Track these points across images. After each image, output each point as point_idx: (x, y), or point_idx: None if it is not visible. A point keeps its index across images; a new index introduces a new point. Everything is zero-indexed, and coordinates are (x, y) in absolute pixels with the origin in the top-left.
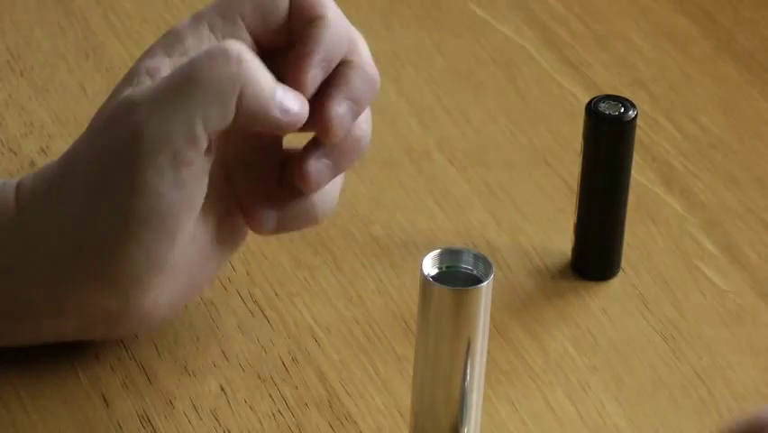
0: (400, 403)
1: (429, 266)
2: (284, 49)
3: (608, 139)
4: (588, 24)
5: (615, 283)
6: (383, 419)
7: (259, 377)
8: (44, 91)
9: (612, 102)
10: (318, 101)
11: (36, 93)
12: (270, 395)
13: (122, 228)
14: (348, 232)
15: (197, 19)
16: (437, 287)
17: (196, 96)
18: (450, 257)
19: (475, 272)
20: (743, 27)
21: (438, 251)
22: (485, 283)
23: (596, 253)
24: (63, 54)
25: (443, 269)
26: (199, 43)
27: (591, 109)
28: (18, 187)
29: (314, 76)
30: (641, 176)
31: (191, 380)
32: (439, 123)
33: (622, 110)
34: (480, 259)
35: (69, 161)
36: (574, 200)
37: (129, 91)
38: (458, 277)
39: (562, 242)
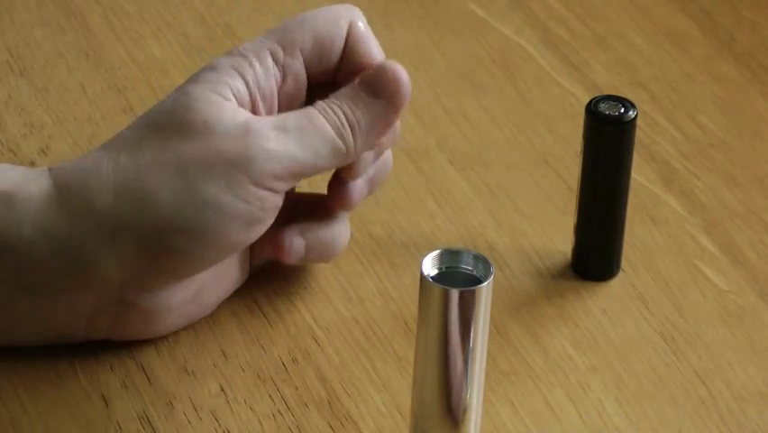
0: (400, 403)
1: (429, 267)
2: (326, 81)
3: (608, 139)
4: (588, 24)
5: (615, 283)
6: (383, 419)
7: (259, 377)
8: (44, 91)
9: (612, 102)
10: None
11: (36, 93)
12: (270, 395)
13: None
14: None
15: (261, 46)
16: (437, 287)
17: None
18: (450, 258)
19: (475, 273)
20: (743, 27)
21: (438, 251)
22: (485, 284)
23: (596, 253)
24: (63, 54)
25: (443, 269)
26: (266, 72)
27: (591, 109)
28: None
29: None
30: (641, 176)
31: (191, 380)
32: (439, 123)
33: (622, 110)
34: (479, 259)
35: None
36: (574, 200)
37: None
38: (458, 277)
39: (561, 242)
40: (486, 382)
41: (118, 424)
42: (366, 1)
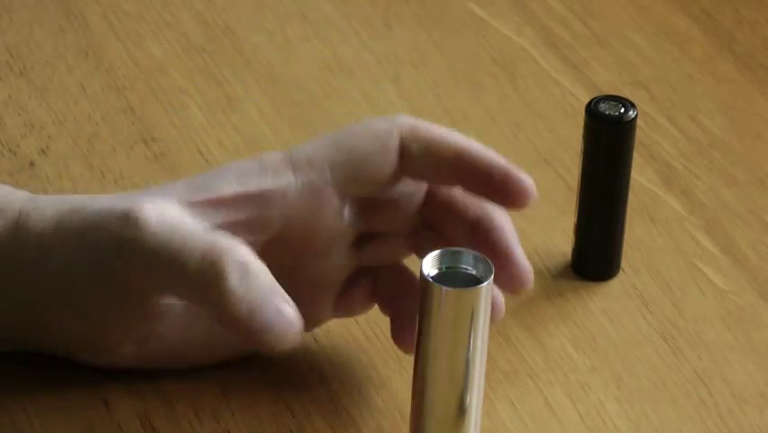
0: (400, 403)
1: (429, 266)
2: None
3: (608, 139)
4: (588, 24)
5: (615, 283)
6: (383, 419)
7: (259, 377)
8: (44, 91)
9: (612, 102)
10: (506, 257)
11: (36, 93)
12: (271, 396)
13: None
14: None
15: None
16: (437, 287)
17: None
18: (450, 258)
19: (475, 273)
20: (743, 27)
21: (438, 251)
22: (485, 284)
23: (596, 253)
24: (63, 54)
25: (444, 269)
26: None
27: (591, 109)
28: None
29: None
30: (641, 176)
31: (191, 381)
32: (439, 123)
33: (622, 110)
34: (479, 260)
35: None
36: (574, 200)
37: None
38: (458, 277)
39: (562, 242)
40: (486, 382)
41: (119, 425)
42: (366, 1)
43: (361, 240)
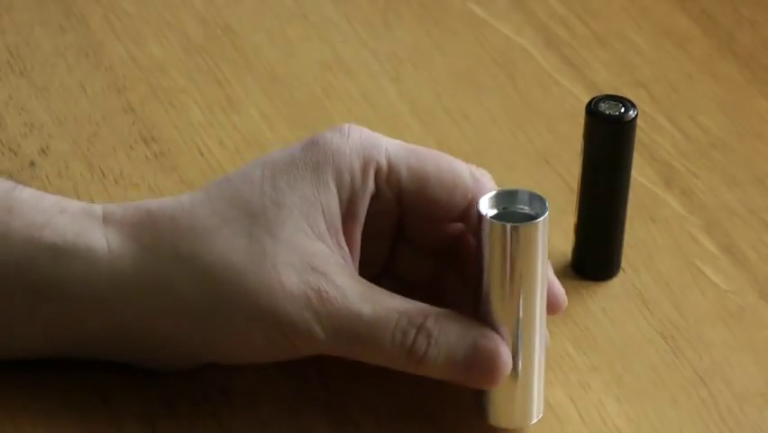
0: (400, 403)
1: (487, 207)
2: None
3: (608, 139)
4: (588, 24)
5: (615, 283)
6: (383, 418)
7: (259, 377)
8: (44, 91)
9: (612, 102)
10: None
11: (36, 93)
12: (271, 395)
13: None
14: None
15: (371, 155)
16: (499, 225)
17: None
18: (506, 198)
19: (530, 211)
20: (743, 27)
21: (493, 193)
22: (542, 218)
23: (596, 253)
24: (63, 54)
25: (501, 210)
26: (364, 189)
27: (591, 109)
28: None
29: None
30: (641, 176)
31: (191, 380)
32: (439, 123)
33: (622, 110)
34: (534, 198)
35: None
36: (574, 200)
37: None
38: (515, 217)
39: (562, 242)
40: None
41: (119, 425)
42: (366, 1)
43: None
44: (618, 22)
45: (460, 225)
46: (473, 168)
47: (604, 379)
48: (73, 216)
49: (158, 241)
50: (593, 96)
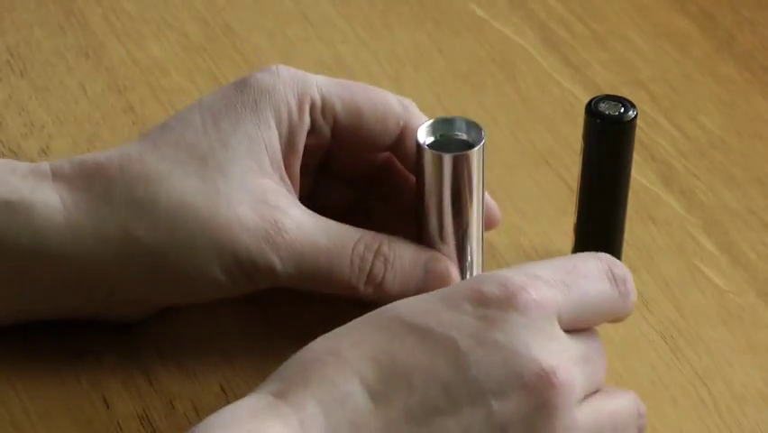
0: None
1: (424, 135)
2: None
3: (608, 139)
4: (588, 24)
5: None
6: None
7: (260, 378)
8: (44, 91)
9: (612, 102)
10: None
11: (36, 93)
12: None
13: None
14: None
15: (306, 90)
16: (435, 154)
17: None
18: (443, 125)
19: (467, 138)
20: (743, 27)
21: (431, 121)
22: (477, 147)
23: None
24: (63, 54)
25: (438, 137)
26: (301, 123)
27: (591, 109)
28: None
29: None
30: (641, 176)
31: (191, 380)
32: None
33: (622, 110)
34: (471, 125)
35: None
36: (574, 200)
37: None
38: (452, 144)
39: (562, 242)
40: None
41: (119, 425)
42: (366, 1)
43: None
44: (618, 22)
45: (385, 154)
46: (400, 97)
47: (604, 379)
48: (23, 175)
49: (110, 190)
50: (593, 96)
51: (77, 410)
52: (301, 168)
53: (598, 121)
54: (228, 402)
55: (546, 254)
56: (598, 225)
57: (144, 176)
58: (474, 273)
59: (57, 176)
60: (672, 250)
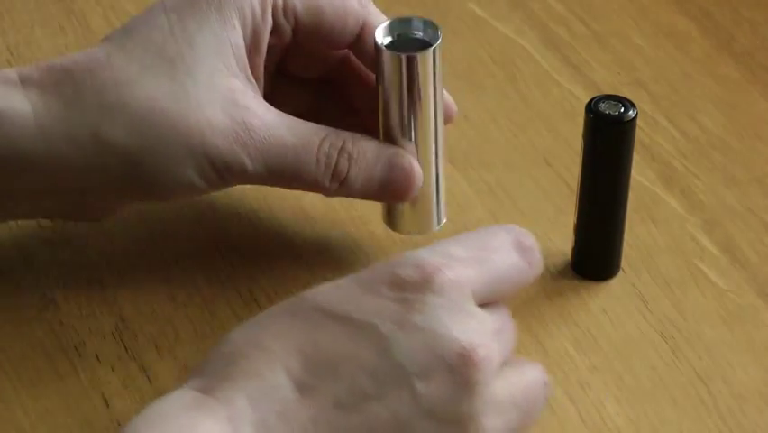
0: None
1: (381, 36)
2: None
3: (608, 139)
4: (588, 24)
5: (615, 283)
6: None
7: None
8: None
9: (612, 102)
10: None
11: None
12: None
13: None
14: (348, 232)
15: None
16: (392, 54)
17: None
18: (400, 25)
19: (425, 37)
20: (743, 27)
21: (388, 21)
22: (434, 46)
23: (596, 253)
24: (63, 54)
25: (395, 37)
26: (264, 23)
27: (591, 109)
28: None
29: None
30: (641, 176)
31: None
32: None
33: (622, 110)
34: (428, 25)
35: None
36: (574, 200)
37: None
38: (409, 44)
39: (562, 242)
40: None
41: (118, 424)
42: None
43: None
44: (618, 22)
45: (342, 53)
46: None
47: (604, 379)
48: None
49: (81, 94)
50: (593, 96)
51: (76, 409)
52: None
53: (598, 121)
54: None
55: (546, 254)
56: (598, 225)
57: (113, 80)
58: (437, 170)
59: (25, 82)
60: (672, 250)
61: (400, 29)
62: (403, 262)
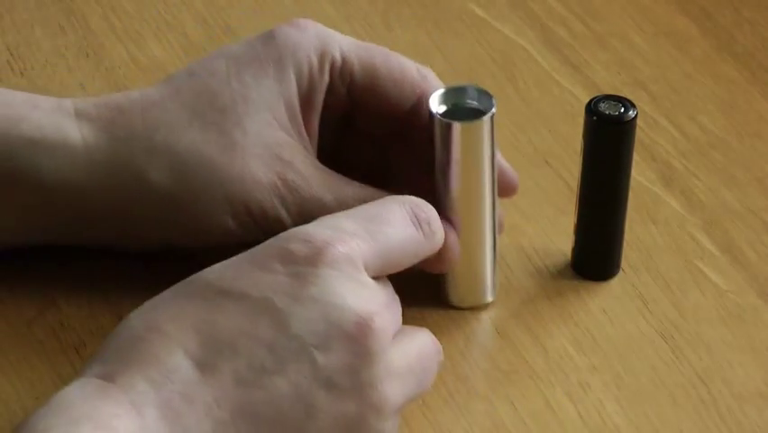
0: None
1: (436, 104)
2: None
3: (608, 139)
4: (588, 24)
5: (615, 283)
6: None
7: None
8: (44, 91)
9: (612, 102)
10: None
11: (37, 93)
12: None
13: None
14: None
15: (326, 49)
16: (447, 122)
17: None
18: (454, 94)
19: (479, 106)
20: (743, 27)
21: (442, 89)
22: (488, 115)
23: (596, 252)
24: (63, 54)
25: (450, 106)
26: (320, 80)
27: (591, 109)
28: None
29: None
30: (641, 176)
31: None
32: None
33: (622, 110)
34: (482, 93)
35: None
36: (574, 200)
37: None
38: (464, 112)
39: (562, 242)
40: (486, 382)
41: None
42: (366, 1)
43: None
44: (618, 22)
45: (406, 115)
46: (419, 65)
47: (604, 379)
48: (47, 112)
49: (131, 133)
50: (593, 96)
51: None
52: (322, 124)
53: (598, 121)
54: None
55: (546, 254)
56: (599, 225)
57: (165, 123)
58: (493, 243)
59: (80, 115)
60: (672, 250)
61: (455, 98)
62: (293, 237)
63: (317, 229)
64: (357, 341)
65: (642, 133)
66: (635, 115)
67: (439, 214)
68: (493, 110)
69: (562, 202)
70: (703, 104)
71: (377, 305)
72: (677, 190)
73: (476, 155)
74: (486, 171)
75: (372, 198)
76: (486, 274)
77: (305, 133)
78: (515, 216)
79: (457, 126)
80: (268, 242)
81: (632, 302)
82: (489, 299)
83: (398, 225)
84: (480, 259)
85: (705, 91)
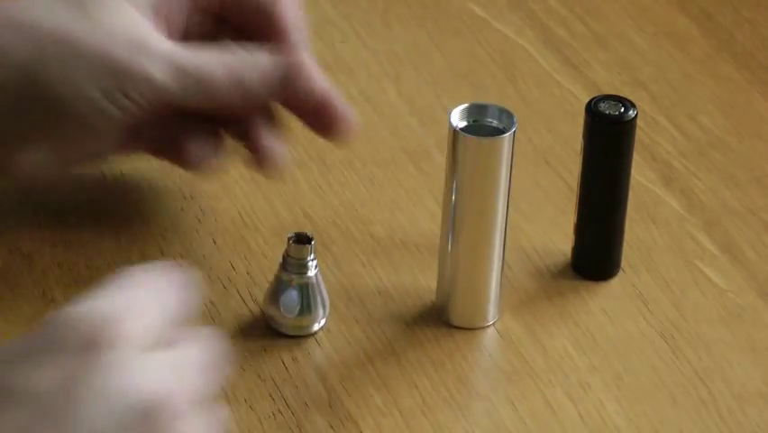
0: (400, 402)
1: (457, 119)
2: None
3: (608, 139)
4: (588, 24)
5: (615, 283)
6: (383, 418)
7: (259, 377)
8: None
9: (612, 102)
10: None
11: None
12: (270, 395)
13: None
14: (348, 232)
15: None
16: (467, 137)
17: None
18: (476, 111)
19: (499, 125)
20: (743, 27)
21: (465, 105)
22: (508, 133)
23: (596, 253)
24: None
25: (470, 122)
26: None
27: (591, 109)
28: None
29: None
30: (641, 176)
31: None
32: (439, 123)
33: (622, 110)
34: (504, 112)
35: None
36: (574, 200)
37: None
38: (483, 129)
39: (562, 242)
40: (486, 382)
41: None
42: (366, 1)
43: None
44: (618, 22)
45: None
46: None
47: (604, 379)
48: None
49: None
50: (593, 96)
51: None
52: (191, 23)
53: (598, 121)
54: (228, 402)
55: (546, 254)
56: (598, 225)
57: (31, 3)
58: (501, 261)
59: None
60: (672, 250)
61: (476, 114)
62: (60, 325)
63: (86, 314)
64: (152, 423)
65: (642, 133)
66: (635, 115)
67: (448, 228)
68: (514, 129)
69: (562, 202)
70: (703, 104)
71: (163, 381)
72: (677, 190)
73: (493, 172)
74: (501, 188)
75: (243, 62)
76: (491, 293)
77: (170, 25)
78: (515, 216)
79: (475, 141)
80: (34, 334)
81: (632, 302)
82: (491, 320)
83: (158, 293)
84: (487, 277)
85: (705, 91)
